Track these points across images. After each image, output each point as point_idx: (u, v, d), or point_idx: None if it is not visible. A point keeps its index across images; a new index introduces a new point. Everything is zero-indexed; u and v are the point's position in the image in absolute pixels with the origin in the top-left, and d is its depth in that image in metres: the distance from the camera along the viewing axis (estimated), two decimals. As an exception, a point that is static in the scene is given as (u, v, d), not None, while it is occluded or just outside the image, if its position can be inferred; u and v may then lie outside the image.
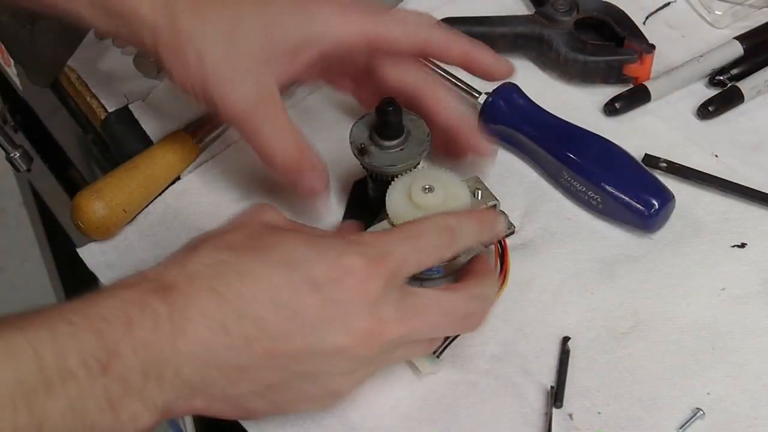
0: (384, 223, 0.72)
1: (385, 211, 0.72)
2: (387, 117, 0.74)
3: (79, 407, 0.55)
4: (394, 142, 0.75)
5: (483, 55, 0.77)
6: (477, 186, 0.75)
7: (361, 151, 0.75)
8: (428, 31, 0.76)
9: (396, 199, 0.72)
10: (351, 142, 0.76)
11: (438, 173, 0.73)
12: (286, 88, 0.78)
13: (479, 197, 0.74)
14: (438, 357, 0.72)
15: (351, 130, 0.76)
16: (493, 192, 0.76)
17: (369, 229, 0.72)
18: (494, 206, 0.75)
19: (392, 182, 0.73)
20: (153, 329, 0.57)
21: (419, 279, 0.73)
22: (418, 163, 0.76)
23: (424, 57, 0.80)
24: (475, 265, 0.71)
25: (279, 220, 0.66)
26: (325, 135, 0.87)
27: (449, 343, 0.72)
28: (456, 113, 0.78)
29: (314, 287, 0.60)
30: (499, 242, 0.75)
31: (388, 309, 0.62)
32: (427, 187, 0.71)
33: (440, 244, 0.66)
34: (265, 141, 0.74)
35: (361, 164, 0.77)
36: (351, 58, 0.78)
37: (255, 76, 0.73)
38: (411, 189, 0.71)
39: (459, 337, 0.72)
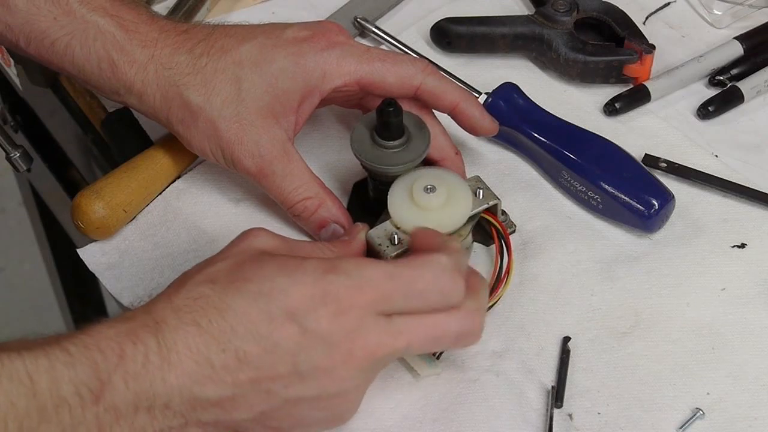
0: (387, 224, 0.72)
1: (386, 211, 0.72)
2: (388, 117, 0.74)
3: None
4: (395, 143, 0.75)
5: (471, 109, 0.79)
6: (478, 185, 0.75)
7: (361, 152, 0.75)
8: (422, 79, 0.77)
9: (398, 199, 0.72)
10: (352, 143, 0.76)
11: (439, 173, 0.73)
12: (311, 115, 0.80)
13: (480, 196, 0.74)
14: (438, 358, 0.72)
15: (352, 131, 0.76)
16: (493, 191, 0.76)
17: (371, 230, 0.72)
18: (495, 205, 0.75)
19: (394, 182, 0.73)
20: (143, 363, 0.59)
21: None
22: (419, 164, 0.76)
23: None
24: (470, 280, 0.67)
25: (270, 243, 0.66)
26: (326, 135, 0.87)
27: None
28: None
29: (291, 317, 0.61)
30: (503, 240, 0.75)
31: (369, 335, 0.62)
32: (429, 186, 0.71)
33: (441, 291, 0.64)
34: (285, 195, 0.77)
35: (361, 165, 0.77)
36: (347, 96, 0.80)
37: (268, 135, 0.76)
38: (413, 189, 0.71)
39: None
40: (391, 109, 0.73)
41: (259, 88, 0.75)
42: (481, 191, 0.74)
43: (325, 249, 0.68)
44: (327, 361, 0.62)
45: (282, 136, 0.76)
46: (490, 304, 0.74)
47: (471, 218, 0.74)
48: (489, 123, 0.80)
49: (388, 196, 0.72)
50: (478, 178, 0.75)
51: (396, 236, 0.71)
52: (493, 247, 0.77)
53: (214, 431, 0.62)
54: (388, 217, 0.72)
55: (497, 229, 0.75)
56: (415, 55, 0.90)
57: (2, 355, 0.56)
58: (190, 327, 0.60)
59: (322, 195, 0.77)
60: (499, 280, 0.75)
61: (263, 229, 0.67)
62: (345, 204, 0.81)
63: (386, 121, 0.74)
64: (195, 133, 0.76)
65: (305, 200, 0.77)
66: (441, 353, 0.72)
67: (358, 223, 0.73)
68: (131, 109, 0.81)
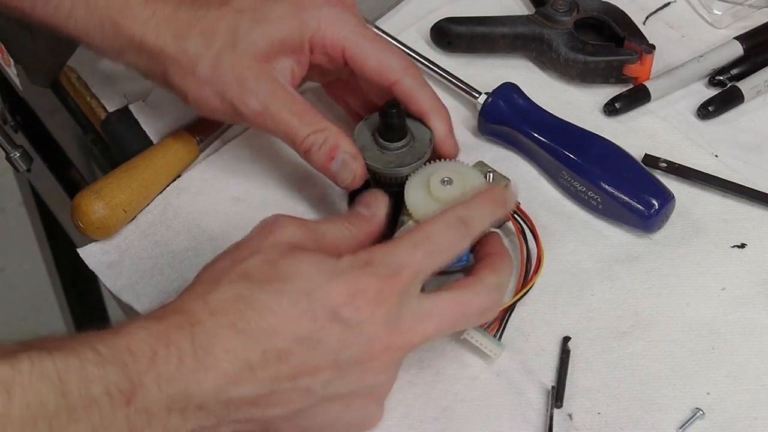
0: (410, 225, 0.72)
1: (404, 212, 0.72)
2: (391, 119, 0.74)
3: None
4: (398, 144, 0.75)
5: (438, 124, 0.77)
6: (486, 169, 0.75)
7: (367, 156, 0.75)
8: (400, 76, 0.76)
9: (416, 197, 0.72)
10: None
11: (452, 165, 0.74)
12: (302, 82, 0.79)
13: (491, 179, 0.75)
14: (499, 339, 0.72)
15: (354, 133, 0.76)
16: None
17: (395, 235, 0.72)
18: (507, 185, 0.75)
19: (408, 179, 0.73)
20: (177, 365, 0.58)
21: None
22: (423, 164, 0.76)
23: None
24: (488, 247, 0.71)
25: (297, 233, 0.66)
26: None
27: (505, 325, 0.73)
28: (429, 106, 0.77)
29: (333, 315, 0.61)
30: (523, 225, 0.75)
31: (404, 321, 0.63)
32: (445, 179, 0.72)
33: (454, 238, 0.66)
34: (294, 130, 0.75)
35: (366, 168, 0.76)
36: (333, 65, 0.78)
37: (268, 75, 0.74)
38: (430, 184, 0.72)
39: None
40: (394, 110, 0.74)
41: (254, 33, 0.74)
42: (491, 174, 0.75)
43: (344, 229, 0.68)
44: (367, 354, 0.62)
45: (283, 78, 0.75)
46: (526, 289, 0.74)
47: None
48: (450, 146, 0.77)
49: (405, 192, 0.72)
50: (483, 163, 0.76)
51: None
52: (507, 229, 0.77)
53: (244, 429, 0.62)
54: (406, 218, 0.72)
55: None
56: (416, 56, 0.89)
57: (32, 354, 0.55)
58: (227, 330, 0.59)
59: (332, 126, 0.75)
60: (529, 263, 0.75)
61: (287, 217, 0.66)
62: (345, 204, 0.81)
63: (389, 123, 0.74)
64: (192, 81, 0.75)
65: (315, 133, 0.74)
66: (501, 335, 0.73)
67: (378, 194, 0.71)
68: (132, 67, 0.79)
